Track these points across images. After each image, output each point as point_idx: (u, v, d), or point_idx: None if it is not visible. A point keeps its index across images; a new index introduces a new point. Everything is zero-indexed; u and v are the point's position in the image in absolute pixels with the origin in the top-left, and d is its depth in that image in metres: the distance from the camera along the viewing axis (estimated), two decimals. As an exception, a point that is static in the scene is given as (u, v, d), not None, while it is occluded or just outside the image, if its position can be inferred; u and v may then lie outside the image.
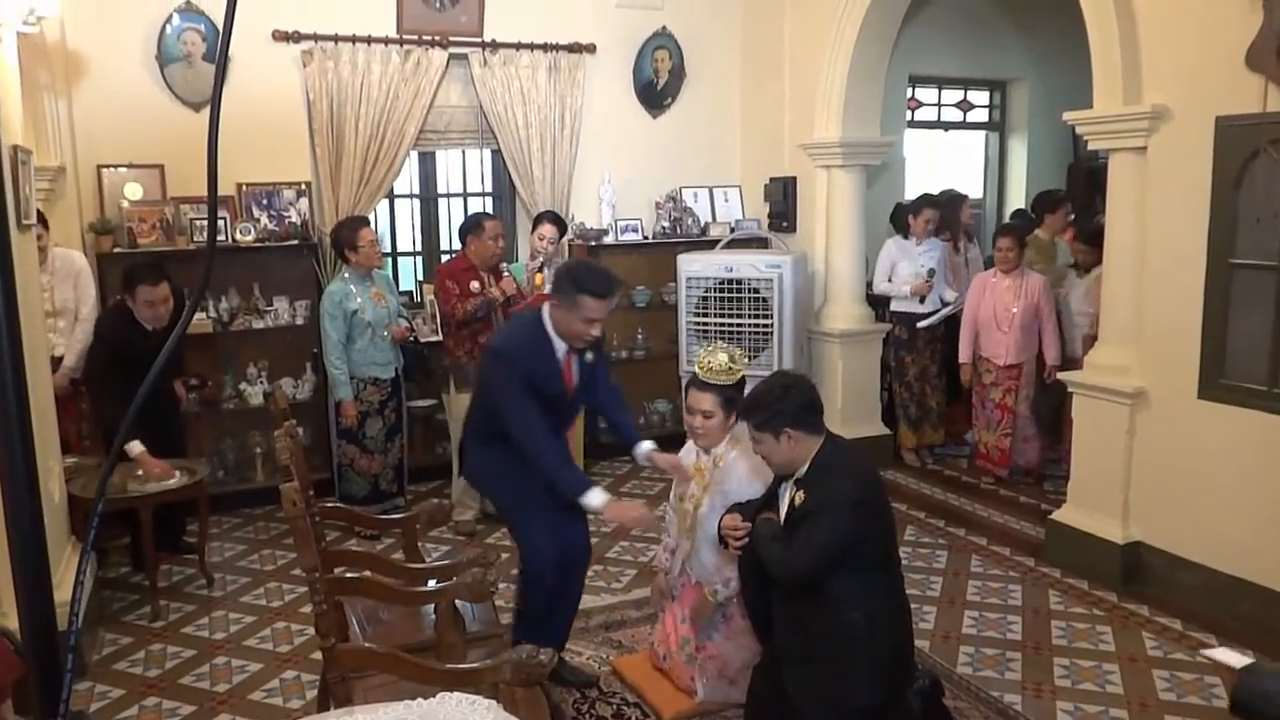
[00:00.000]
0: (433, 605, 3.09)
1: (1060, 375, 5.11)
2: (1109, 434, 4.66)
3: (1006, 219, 8.46)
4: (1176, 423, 4.40)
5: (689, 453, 3.81)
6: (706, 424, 3.57)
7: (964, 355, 6.19)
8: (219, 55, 1.27)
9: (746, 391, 3.40)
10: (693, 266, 6.41)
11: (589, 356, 3.62)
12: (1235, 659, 3.18)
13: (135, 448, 4.57)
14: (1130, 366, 4.58)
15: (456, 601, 2.98)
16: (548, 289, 5.60)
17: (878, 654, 2.95)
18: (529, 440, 3.38)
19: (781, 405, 3.07)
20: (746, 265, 6.31)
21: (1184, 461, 4.38)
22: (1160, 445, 4.48)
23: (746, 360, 3.72)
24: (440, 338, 5.78)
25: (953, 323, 6.46)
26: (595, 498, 3.37)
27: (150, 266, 4.83)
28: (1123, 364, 4.61)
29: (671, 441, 4.55)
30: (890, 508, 3.21)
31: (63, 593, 2.18)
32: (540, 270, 5.71)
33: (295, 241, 6.01)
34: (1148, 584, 4.58)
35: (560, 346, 3.49)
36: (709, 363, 3.57)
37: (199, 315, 5.71)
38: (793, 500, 3.07)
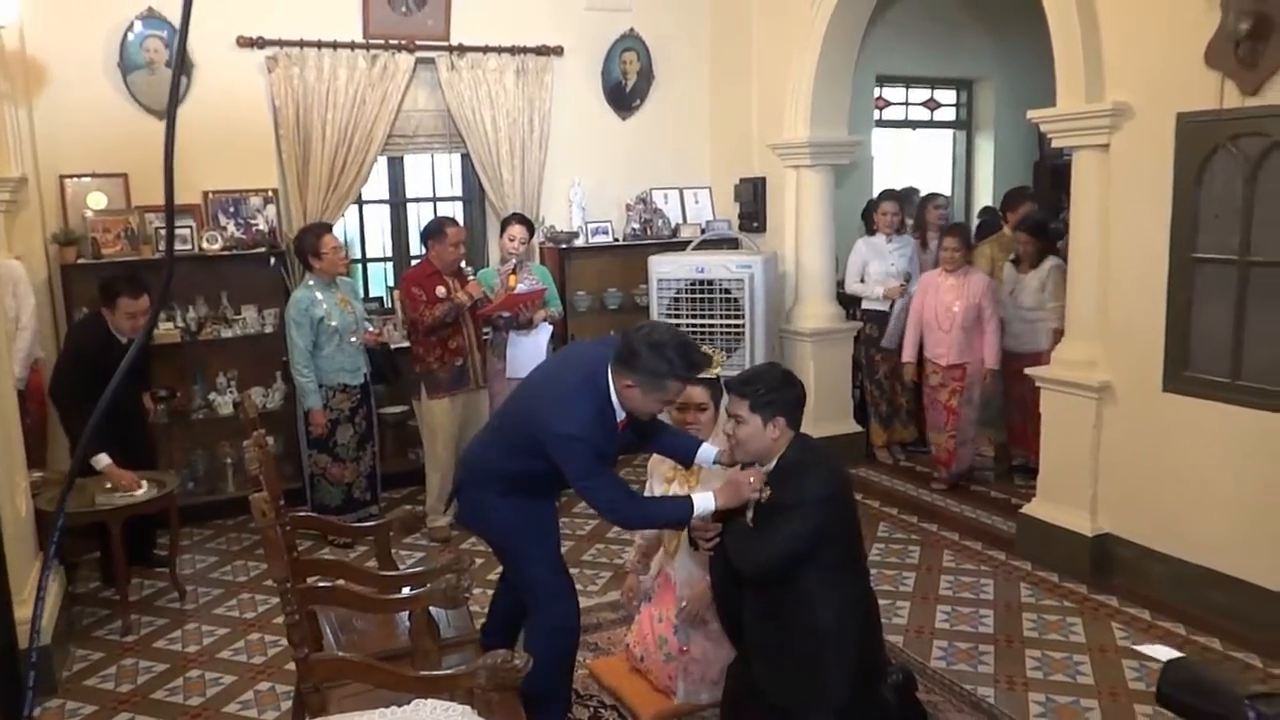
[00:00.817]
0: (407, 612, 3.10)
1: (1028, 371, 5.15)
2: (1077, 428, 4.71)
3: (975, 216, 8.54)
4: (1142, 416, 4.45)
5: (658, 463, 3.82)
6: (700, 417, 3.58)
7: (907, 354, 6.20)
8: (174, 64, 1.26)
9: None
10: (664, 268, 6.42)
11: None
12: (1164, 653, 3.26)
13: (102, 460, 4.53)
14: (1096, 361, 4.63)
15: (431, 608, 2.99)
16: (520, 289, 5.61)
17: (848, 650, 2.97)
18: (623, 512, 3.14)
19: (783, 392, 3.07)
20: (718, 266, 6.32)
21: (1150, 454, 4.43)
22: (1127, 438, 4.54)
23: (721, 357, 3.72)
24: (409, 344, 5.75)
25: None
26: (707, 501, 3.06)
27: (130, 279, 4.79)
28: (1089, 358, 4.66)
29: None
30: (856, 505, 3.23)
31: (28, 609, 2.16)
32: (513, 272, 5.70)
33: (263, 249, 5.97)
34: (1117, 575, 4.63)
35: (620, 414, 3.16)
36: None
37: (166, 325, 5.66)
38: (760, 496, 3.08)
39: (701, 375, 3.57)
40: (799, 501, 2.94)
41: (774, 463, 3.08)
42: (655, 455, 3.76)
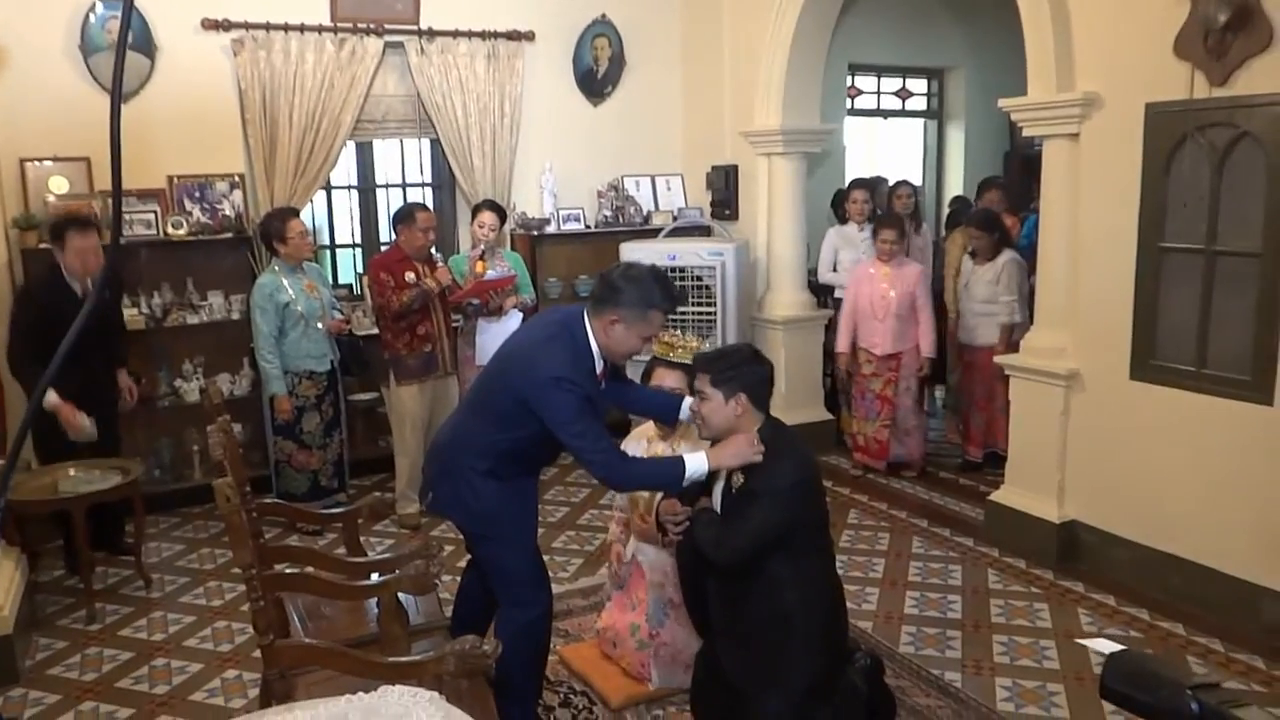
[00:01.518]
0: (375, 599, 3.07)
1: (998, 358, 5.19)
2: (1045, 416, 4.74)
3: (945, 205, 8.57)
4: (1110, 404, 4.49)
5: (636, 440, 3.81)
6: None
7: (840, 345, 6.16)
8: (119, 38, 1.22)
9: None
10: (635, 255, 6.38)
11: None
12: (1107, 646, 3.31)
13: (50, 398, 4.40)
14: (1065, 349, 4.66)
15: (399, 594, 2.96)
16: (490, 275, 5.57)
17: (813, 635, 2.98)
18: (616, 470, 3.04)
19: (746, 369, 3.06)
20: (689, 253, 6.31)
21: (1117, 442, 4.47)
22: (1094, 426, 4.58)
23: (697, 343, 3.70)
24: (378, 331, 5.71)
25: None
26: (700, 463, 2.98)
27: (78, 218, 4.78)
28: (1058, 346, 4.69)
29: (617, 429, 4.53)
30: (824, 491, 3.23)
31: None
32: (481, 258, 5.66)
33: (229, 235, 5.90)
34: (1083, 561, 4.67)
35: (599, 363, 3.12)
36: (667, 339, 3.58)
37: (131, 311, 5.58)
38: (730, 482, 3.07)
39: (676, 360, 3.58)
40: (770, 489, 2.94)
41: None
42: (632, 435, 3.77)
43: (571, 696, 3.69)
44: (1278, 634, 3.87)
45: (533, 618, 3.20)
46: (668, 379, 3.57)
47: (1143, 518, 4.41)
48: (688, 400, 3.31)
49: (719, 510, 3.13)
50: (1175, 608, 4.24)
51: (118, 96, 1.21)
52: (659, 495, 3.41)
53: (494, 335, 5.48)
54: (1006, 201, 6.58)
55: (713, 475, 3.18)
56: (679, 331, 3.64)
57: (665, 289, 3.07)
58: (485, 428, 3.13)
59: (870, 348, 5.99)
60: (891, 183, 7.38)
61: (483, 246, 5.68)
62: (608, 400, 3.30)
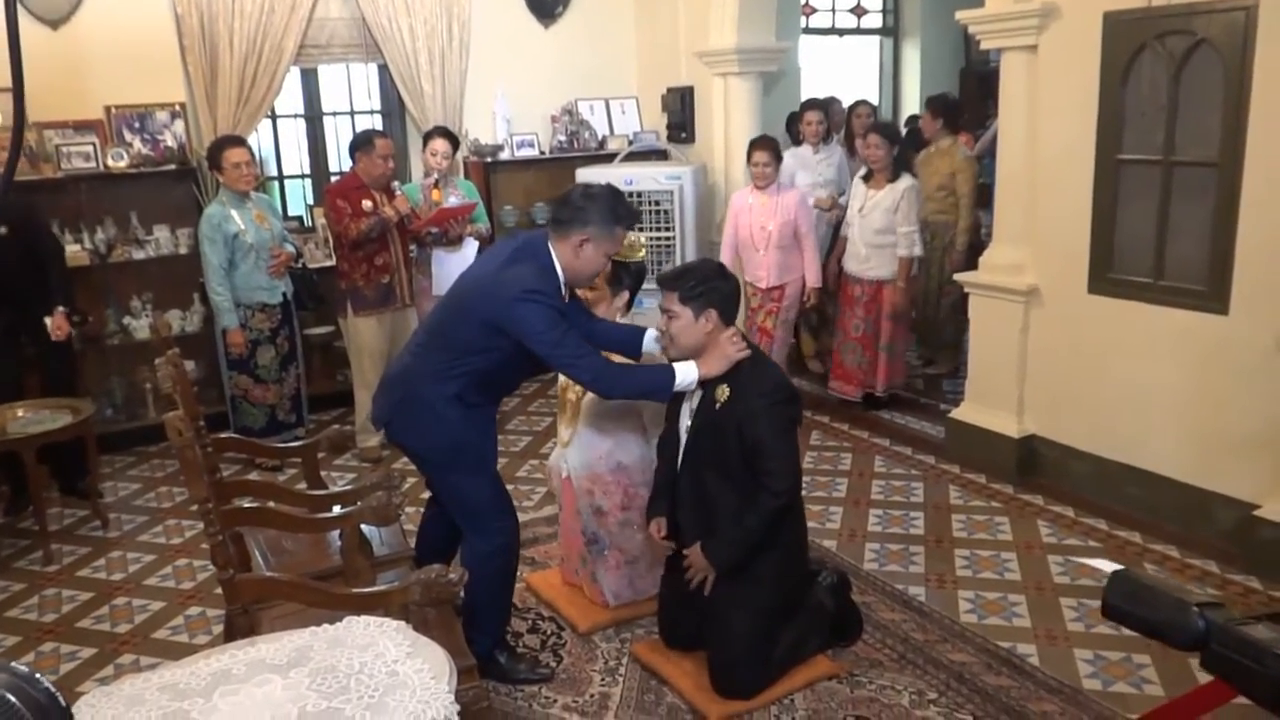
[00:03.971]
0: (338, 532, 3.04)
1: (957, 276, 5.17)
2: (1004, 332, 4.76)
3: (902, 125, 8.50)
4: (1068, 318, 4.51)
5: None
6: (589, 295, 3.51)
7: None
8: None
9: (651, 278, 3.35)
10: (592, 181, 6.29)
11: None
12: (1107, 566, 3.37)
13: None
14: (1024, 264, 4.66)
15: (362, 526, 2.93)
16: (449, 204, 5.44)
17: (788, 555, 3.01)
18: (605, 377, 3.01)
19: (714, 284, 3.05)
20: (646, 178, 6.23)
21: (1075, 356, 4.50)
22: (1053, 341, 4.60)
23: (641, 243, 3.62)
24: (334, 262, 5.58)
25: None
26: (690, 371, 3.03)
27: None
28: (1016, 262, 4.69)
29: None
30: None
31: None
32: (435, 186, 5.53)
33: (173, 166, 5.71)
34: (1042, 475, 4.74)
35: (562, 289, 3.07)
36: (634, 240, 3.53)
37: (73, 247, 5.40)
38: (713, 396, 3.05)
39: (630, 260, 3.56)
40: (770, 400, 2.97)
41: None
42: None
43: (539, 623, 3.70)
44: (1231, 539, 3.96)
45: (499, 545, 3.18)
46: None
47: (1100, 430, 4.46)
48: (650, 332, 3.29)
49: (698, 423, 3.11)
50: (1132, 517, 4.31)
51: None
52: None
53: (452, 265, 5.36)
54: (944, 121, 6.30)
55: (679, 396, 3.18)
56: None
57: (626, 205, 3.10)
58: (448, 356, 3.07)
59: (755, 281, 5.58)
60: (849, 103, 7.30)
61: (436, 175, 5.55)
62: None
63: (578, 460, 3.59)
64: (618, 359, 3.26)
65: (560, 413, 3.71)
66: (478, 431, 3.16)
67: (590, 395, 3.47)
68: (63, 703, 1.00)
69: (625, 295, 3.59)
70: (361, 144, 5.24)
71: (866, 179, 5.71)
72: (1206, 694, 1.99)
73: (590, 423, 3.56)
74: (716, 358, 3.05)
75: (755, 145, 5.50)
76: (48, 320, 4.72)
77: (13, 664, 1.01)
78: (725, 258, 5.63)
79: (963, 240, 6.10)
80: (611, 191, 3.08)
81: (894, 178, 5.55)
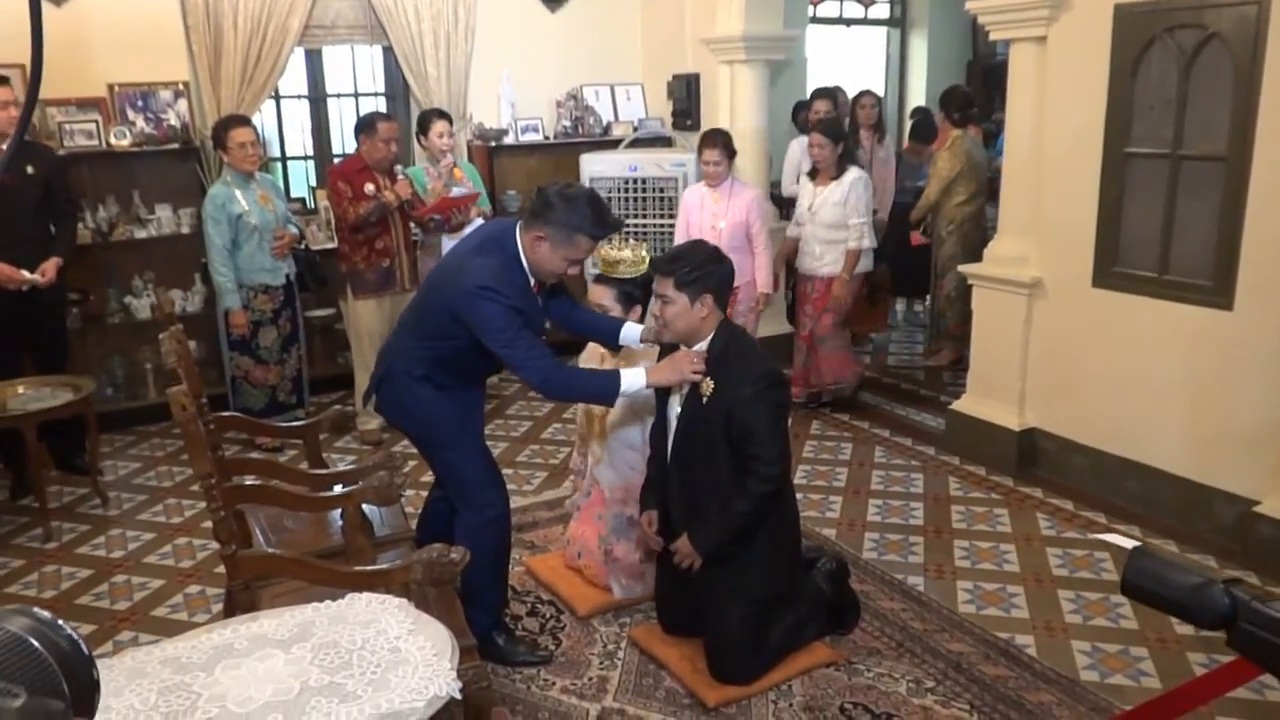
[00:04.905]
0: (339, 511, 3.03)
1: (962, 268, 5.16)
2: (1007, 324, 4.75)
3: (908, 117, 8.49)
4: (1072, 311, 4.50)
5: (586, 359, 3.78)
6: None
7: None
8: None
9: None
10: (596, 167, 6.29)
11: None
12: (1125, 541, 3.36)
13: None
14: (1029, 256, 4.66)
15: (364, 506, 2.93)
16: (457, 192, 5.40)
17: (778, 544, 3.02)
18: (550, 380, 2.99)
19: (709, 269, 3.02)
20: (650, 164, 6.21)
21: (1078, 349, 4.50)
22: (1056, 334, 4.60)
23: (646, 257, 3.61)
24: (335, 244, 5.57)
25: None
26: (638, 378, 3.00)
27: None
28: (1021, 254, 4.68)
29: (570, 348, 4.49)
30: None
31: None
32: (456, 166, 5.51)
33: (176, 145, 5.69)
34: (1042, 468, 4.74)
35: (531, 279, 3.07)
36: (611, 256, 3.51)
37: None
38: (698, 391, 3.04)
39: (613, 276, 3.52)
40: (760, 387, 2.94)
41: (705, 349, 3.04)
42: (586, 353, 3.74)
43: (539, 606, 3.70)
44: (1229, 534, 3.96)
45: (489, 518, 3.18)
46: (600, 295, 3.53)
47: (1101, 424, 4.46)
48: (628, 325, 3.31)
49: (686, 414, 3.11)
50: (1131, 511, 4.32)
51: None
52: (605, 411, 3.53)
53: (455, 251, 5.37)
54: (951, 113, 6.28)
55: (667, 390, 3.17)
56: (629, 242, 3.56)
57: (599, 215, 2.97)
58: (419, 338, 3.14)
59: None
60: (854, 93, 7.27)
61: (450, 157, 5.51)
62: (547, 317, 3.29)
63: (613, 477, 3.65)
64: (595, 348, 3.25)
65: (588, 431, 3.74)
66: (454, 409, 3.19)
67: (614, 413, 3.52)
68: (85, 650, 1.00)
69: (638, 310, 3.58)
70: (365, 126, 5.22)
71: (812, 176, 5.56)
72: (1230, 672, 1.95)
73: (620, 439, 3.60)
74: (668, 370, 3.03)
75: (705, 141, 5.31)
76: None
77: (34, 609, 1.00)
78: None
79: (918, 216, 6.35)
80: (590, 199, 3.01)
81: (839, 174, 5.39)
